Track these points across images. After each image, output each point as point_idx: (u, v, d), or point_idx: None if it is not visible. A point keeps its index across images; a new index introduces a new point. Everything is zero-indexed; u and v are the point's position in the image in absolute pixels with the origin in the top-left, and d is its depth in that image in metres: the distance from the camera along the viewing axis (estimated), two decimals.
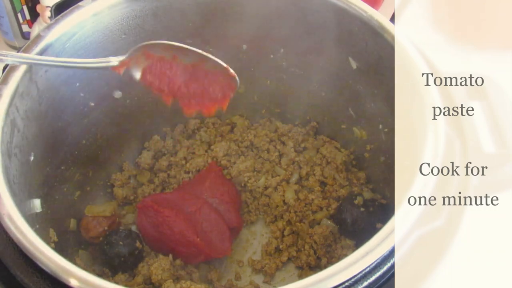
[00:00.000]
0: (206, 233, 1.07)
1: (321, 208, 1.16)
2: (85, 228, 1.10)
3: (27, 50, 0.92)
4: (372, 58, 1.00)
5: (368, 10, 0.98)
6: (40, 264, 0.72)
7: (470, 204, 0.86)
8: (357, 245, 0.71)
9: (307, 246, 1.11)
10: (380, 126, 1.06)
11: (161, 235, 1.07)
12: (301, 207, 1.16)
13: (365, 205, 1.09)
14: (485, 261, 1.18)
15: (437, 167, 0.77)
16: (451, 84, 0.98)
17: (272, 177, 1.21)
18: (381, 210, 1.07)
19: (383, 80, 0.99)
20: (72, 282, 0.70)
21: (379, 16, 0.97)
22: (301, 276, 1.10)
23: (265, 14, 1.10)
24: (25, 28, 1.51)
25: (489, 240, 1.21)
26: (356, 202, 1.09)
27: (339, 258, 0.83)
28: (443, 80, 0.99)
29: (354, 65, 1.06)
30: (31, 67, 0.92)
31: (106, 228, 1.10)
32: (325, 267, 0.70)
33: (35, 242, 0.73)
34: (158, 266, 1.02)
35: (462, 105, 0.96)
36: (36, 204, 0.94)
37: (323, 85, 1.18)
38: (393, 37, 0.94)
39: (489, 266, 1.18)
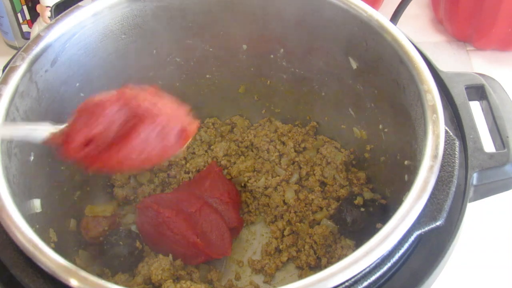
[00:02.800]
0: (206, 234, 1.07)
1: (321, 208, 1.16)
2: (85, 228, 1.10)
3: (27, 50, 0.93)
4: (372, 58, 1.00)
5: (368, 10, 0.98)
6: (40, 264, 0.72)
7: (470, 203, 0.86)
8: (357, 245, 0.71)
9: (307, 246, 1.11)
10: (380, 126, 1.06)
11: (161, 235, 1.07)
12: (301, 207, 1.16)
13: (365, 205, 1.09)
14: (485, 261, 1.18)
15: (437, 167, 0.77)
16: (451, 84, 0.98)
17: (272, 177, 1.21)
18: (381, 210, 1.07)
19: (383, 80, 0.99)
20: (72, 282, 0.69)
21: (379, 16, 0.97)
22: (301, 276, 1.10)
23: (265, 14, 1.10)
24: (25, 28, 1.52)
25: (489, 240, 1.22)
26: (356, 202, 1.09)
27: (339, 258, 0.83)
28: (443, 80, 0.99)
29: (354, 65, 1.06)
30: (31, 67, 0.92)
31: (106, 228, 1.10)
32: (325, 267, 0.70)
33: (35, 242, 0.73)
34: (158, 266, 1.02)
35: (462, 104, 0.96)
36: (36, 204, 0.94)
37: (323, 85, 1.18)
38: (393, 37, 0.93)
39: (489, 266, 1.18)
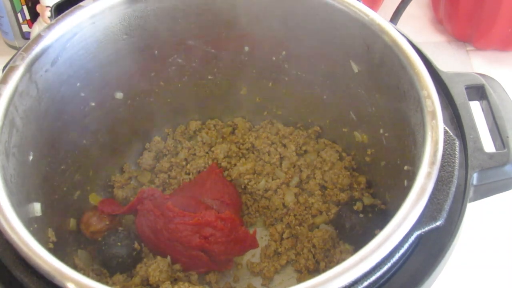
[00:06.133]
0: (211, 247, 1.06)
1: (321, 212, 1.16)
2: (86, 223, 1.10)
3: (27, 50, 0.92)
4: (373, 62, 1.00)
5: (370, 13, 0.97)
6: (35, 267, 0.72)
7: (470, 203, 0.86)
8: (356, 250, 0.71)
9: (306, 250, 1.11)
10: (381, 131, 1.06)
11: (161, 242, 1.07)
12: (301, 210, 1.16)
13: (364, 211, 1.08)
14: (485, 261, 1.18)
15: (435, 174, 0.77)
16: (451, 84, 0.98)
17: (273, 179, 1.21)
18: (380, 216, 1.07)
19: (384, 85, 0.99)
20: (68, 285, 0.69)
21: (381, 19, 0.96)
22: (299, 280, 1.09)
23: (267, 16, 1.10)
24: (25, 28, 1.52)
25: (489, 240, 1.22)
26: (355, 207, 1.09)
27: (337, 263, 0.83)
28: (443, 80, 0.99)
29: (355, 68, 1.06)
30: (31, 67, 0.92)
31: (107, 222, 1.10)
32: (323, 271, 0.70)
33: (31, 244, 0.73)
34: (156, 267, 1.01)
35: (462, 104, 0.96)
36: (37, 208, 0.94)
37: (324, 88, 1.17)
38: (394, 41, 0.93)
39: (489, 266, 1.18)
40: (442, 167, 0.80)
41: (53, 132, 1.01)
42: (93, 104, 1.10)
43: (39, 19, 1.44)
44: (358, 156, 1.20)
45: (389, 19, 1.46)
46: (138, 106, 1.20)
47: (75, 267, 1.03)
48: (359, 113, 1.13)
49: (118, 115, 1.17)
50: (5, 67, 0.92)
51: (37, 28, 1.45)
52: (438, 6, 1.64)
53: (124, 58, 1.10)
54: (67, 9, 0.99)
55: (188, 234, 1.05)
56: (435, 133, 0.81)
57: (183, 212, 1.06)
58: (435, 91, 0.86)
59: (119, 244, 1.04)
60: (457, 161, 0.82)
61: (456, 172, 0.81)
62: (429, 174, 0.77)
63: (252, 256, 1.14)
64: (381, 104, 1.04)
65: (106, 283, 0.99)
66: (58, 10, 1.03)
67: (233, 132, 1.30)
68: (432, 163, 0.78)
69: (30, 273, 0.74)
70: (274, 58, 1.18)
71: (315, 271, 1.10)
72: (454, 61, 1.59)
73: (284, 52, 1.16)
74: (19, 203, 0.86)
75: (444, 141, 0.82)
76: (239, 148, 1.26)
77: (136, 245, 1.05)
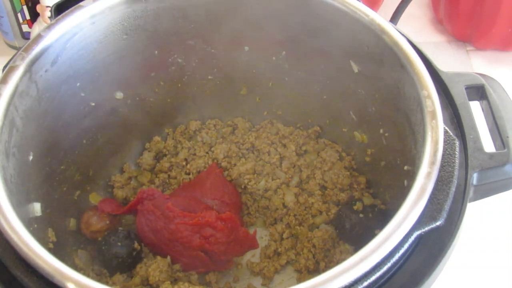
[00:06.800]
0: (211, 247, 1.06)
1: (321, 212, 1.16)
2: (86, 223, 1.10)
3: (27, 50, 0.92)
4: (373, 62, 1.00)
5: (370, 13, 0.97)
6: (35, 267, 0.72)
7: (470, 203, 0.86)
8: (356, 250, 0.71)
9: (305, 250, 1.11)
10: (381, 131, 1.06)
11: (161, 242, 1.07)
12: (301, 210, 1.16)
13: (364, 211, 1.08)
14: (485, 261, 1.18)
15: (435, 174, 0.77)
16: (451, 84, 0.98)
17: (273, 179, 1.20)
18: (380, 216, 1.07)
19: (384, 85, 0.99)
20: (69, 285, 0.69)
21: (381, 19, 0.96)
22: (299, 280, 1.09)
23: (267, 16, 1.10)
24: (25, 28, 1.52)
25: (489, 240, 1.21)
26: (355, 207, 1.09)
27: (337, 263, 0.83)
28: (443, 80, 0.98)
29: (355, 68, 1.06)
30: (31, 67, 0.91)
31: (107, 222, 1.10)
32: (323, 271, 0.70)
33: (31, 244, 0.73)
34: (156, 267, 1.01)
35: (462, 104, 0.96)
36: (37, 208, 0.94)
37: (324, 88, 1.17)
38: (394, 41, 0.93)
39: (489, 266, 1.18)
40: (442, 167, 0.80)
41: (53, 132, 1.01)
42: (93, 104, 1.10)
43: (39, 19, 1.44)
44: (358, 156, 1.20)
45: (389, 19, 1.46)
46: (138, 106, 1.20)
47: (75, 267, 1.03)
48: (359, 113, 1.13)
49: (118, 115, 1.17)
50: (5, 67, 0.92)
51: (37, 28, 1.45)
52: (438, 6, 1.64)
53: (124, 58, 1.10)
54: (67, 9, 0.99)
55: (189, 235, 1.05)
56: (435, 133, 0.81)
57: (183, 212, 1.06)
58: (435, 91, 0.86)
59: (119, 244, 1.04)
60: (457, 161, 0.82)
61: (456, 172, 0.81)
62: (429, 174, 0.77)
63: (252, 256, 1.14)
64: (381, 104, 1.04)
65: (106, 283, 0.99)
66: (58, 10, 1.03)
67: (233, 132, 1.30)
68: (432, 163, 0.78)
69: (30, 273, 0.74)
70: (274, 58, 1.18)
71: (315, 271, 1.10)
72: (454, 61, 1.59)
73: (284, 52, 1.16)
74: (19, 203, 0.86)
75: (444, 141, 0.82)
76: (239, 148, 1.26)
77: (136, 245, 1.05)
